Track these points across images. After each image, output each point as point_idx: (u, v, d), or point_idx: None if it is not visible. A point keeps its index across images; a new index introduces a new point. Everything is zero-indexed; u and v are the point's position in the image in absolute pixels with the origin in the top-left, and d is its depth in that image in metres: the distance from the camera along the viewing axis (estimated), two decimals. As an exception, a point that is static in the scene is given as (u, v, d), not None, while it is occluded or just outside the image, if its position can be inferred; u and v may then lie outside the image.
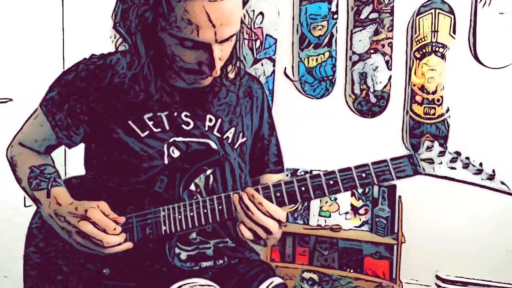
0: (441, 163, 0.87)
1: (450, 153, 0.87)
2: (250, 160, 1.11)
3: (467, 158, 0.87)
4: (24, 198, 1.91)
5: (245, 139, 1.08)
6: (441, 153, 0.87)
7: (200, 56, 0.87)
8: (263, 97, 1.15)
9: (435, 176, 0.88)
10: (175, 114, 0.99)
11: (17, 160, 1.06)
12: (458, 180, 0.87)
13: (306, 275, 2.43)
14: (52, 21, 2.32)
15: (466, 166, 0.86)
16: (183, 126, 1.00)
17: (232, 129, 1.06)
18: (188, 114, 1.00)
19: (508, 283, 2.38)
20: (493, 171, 0.86)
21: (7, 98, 1.98)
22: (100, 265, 0.96)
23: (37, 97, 1.05)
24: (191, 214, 0.92)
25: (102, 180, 1.01)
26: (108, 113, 0.97)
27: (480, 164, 0.86)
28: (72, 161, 2.18)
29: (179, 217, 0.93)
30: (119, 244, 0.90)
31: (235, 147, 1.06)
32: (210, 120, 1.03)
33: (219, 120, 1.03)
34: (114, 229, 0.89)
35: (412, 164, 0.87)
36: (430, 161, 0.87)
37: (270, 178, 1.17)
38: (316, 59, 2.53)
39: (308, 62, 2.54)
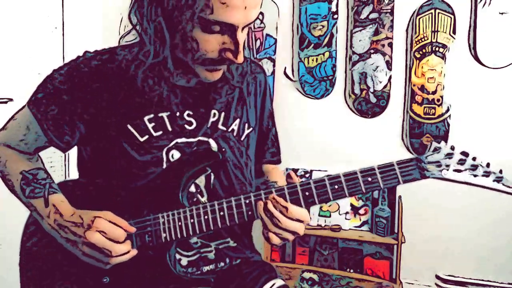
0: (448, 165, 0.84)
1: (457, 154, 0.85)
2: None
3: (474, 158, 0.84)
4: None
5: (250, 129, 1.06)
6: (449, 155, 0.85)
7: (225, 41, 0.85)
8: (265, 84, 1.12)
9: (442, 179, 0.85)
10: (178, 114, 0.96)
11: (5, 163, 0.99)
12: (466, 183, 0.84)
13: (306, 275, 2.43)
14: (52, 21, 2.32)
15: (474, 168, 0.84)
16: (186, 126, 0.97)
17: (237, 121, 1.03)
18: (190, 113, 0.97)
19: (508, 283, 2.38)
20: (500, 171, 0.83)
21: (7, 98, 1.98)
22: (99, 273, 0.92)
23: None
24: (192, 220, 0.90)
25: (97, 185, 0.98)
26: (106, 115, 0.93)
27: (488, 165, 0.84)
28: (73, 161, 2.18)
29: (179, 223, 0.91)
30: (127, 252, 0.87)
31: (242, 139, 1.03)
32: (214, 115, 1.00)
33: (223, 113, 1.01)
34: (124, 237, 0.87)
35: (419, 168, 0.85)
36: (438, 163, 0.85)
37: (272, 170, 1.16)
38: (316, 59, 2.53)
39: (308, 62, 2.54)
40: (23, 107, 0.98)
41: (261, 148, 1.13)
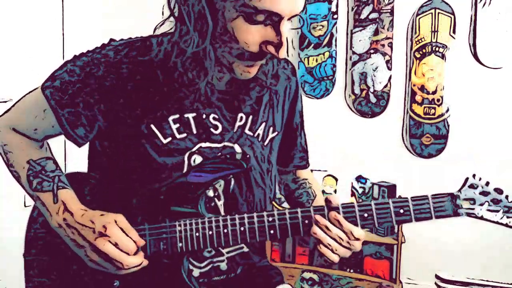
0: (482, 204, 0.83)
1: (492, 192, 0.83)
2: (278, 150, 1.03)
3: (507, 197, 0.83)
4: (24, 197, 1.90)
5: (275, 133, 1.00)
6: (484, 194, 0.83)
7: (268, 33, 0.79)
8: (296, 87, 1.05)
9: (476, 217, 0.84)
10: (204, 116, 0.90)
11: (11, 149, 0.93)
12: (499, 223, 0.84)
13: (306, 275, 2.43)
14: (52, 21, 2.32)
15: (508, 209, 0.83)
16: (212, 129, 0.91)
17: (263, 125, 0.97)
18: (216, 116, 0.91)
19: (508, 283, 2.38)
20: None
21: (7, 98, 1.99)
22: (110, 276, 0.87)
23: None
24: (210, 232, 0.86)
25: (110, 181, 0.93)
26: (130, 111, 0.87)
27: None
28: (72, 156, 2.18)
29: (197, 234, 0.86)
30: (138, 264, 0.83)
31: (265, 144, 0.98)
32: (241, 119, 0.94)
33: (250, 117, 0.95)
34: (135, 249, 0.82)
35: (454, 205, 0.84)
36: (472, 201, 0.84)
37: (301, 170, 1.13)
38: (316, 59, 2.53)
39: (308, 62, 2.54)
40: (35, 89, 0.91)
41: (289, 153, 1.09)
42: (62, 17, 2.36)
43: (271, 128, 1.00)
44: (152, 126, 0.87)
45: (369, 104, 2.49)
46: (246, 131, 0.95)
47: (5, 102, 1.98)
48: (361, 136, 2.54)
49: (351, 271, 2.44)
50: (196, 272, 0.94)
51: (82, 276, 0.91)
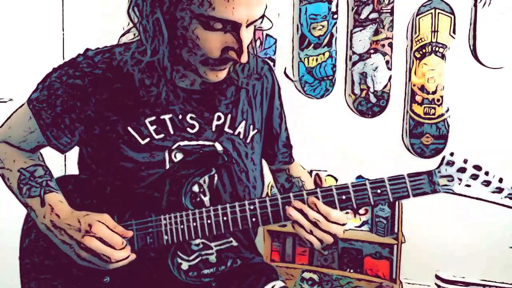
0: (460, 180, 0.82)
1: (470, 168, 0.82)
2: (262, 150, 1.06)
3: (487, 173, 0.81)
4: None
5: (255, 131, 1.02)
6: (461, 170, 0.82)
7: (228, 40, 0.81)
8: (273, 82, 1.08)
9: (454, 194, 0.83)
10: (180, 117, 0.93)
11: (3, 161, 0.97)
12: (478, 198, 0.82)
13: (306, 275, 2.43)
14: (52, 21, 2.32)
15: (486, 183, 0.81)
16: (188, 129, 0.93)
17: (243, 123, 0.99)
18: (193, 116, 0.94)
19: (508, 283, 2.38)
20: None
21: (7, 98, 1.99)
22: (100, 273, 0.90)
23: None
24: (194, 224, 0.88)
25: (98, 182, 0.95)
26: (107, 116, 0.90)
27: (500, 180, 0.81)
28: (72, 157, 2.18)
29: (182, 226, 0.89)
30: (126, 258, 0.86)
31: (248, 141, 1.00)
32: (219, 118, 0.97)
33: (229, 116, 0.97)
34: (122, 243, 0.85)
35: (430, 182, 0.84)
36: (450, 178, 0.83)
37: (292, 166, 1.16)
38: (316, 59, 2.53)
39: (308, 62, 2.54)
40: (24, 104, 0.96)
41: (272, 150, 1.12)
42: (62, 17, 2.36)
43: (251, 126, 1.02)
44: (129, 129, 0.90)
45: (369, 104, 2.49)
46: (226, 129, 0.97)
47: (5, 102, 1.98)
48: (361, 136, 2.54)
49: (351, 271, 2.44)
50: (185, 265, 0.96)
51: (73, 275, 0.94)
